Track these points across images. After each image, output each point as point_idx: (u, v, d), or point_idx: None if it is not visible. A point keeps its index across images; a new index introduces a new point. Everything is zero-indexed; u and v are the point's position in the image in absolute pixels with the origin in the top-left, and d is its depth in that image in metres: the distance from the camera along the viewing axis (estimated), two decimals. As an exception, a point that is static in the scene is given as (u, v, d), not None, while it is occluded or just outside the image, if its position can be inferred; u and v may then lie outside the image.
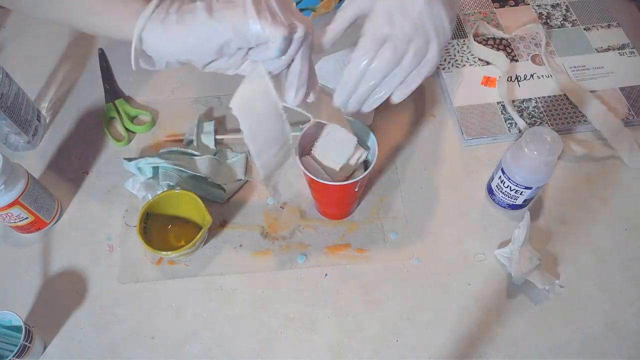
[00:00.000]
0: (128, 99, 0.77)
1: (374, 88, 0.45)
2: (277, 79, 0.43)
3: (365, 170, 0.56)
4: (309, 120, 0.55)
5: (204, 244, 0.64)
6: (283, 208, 0.67)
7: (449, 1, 0.44)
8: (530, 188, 0.60)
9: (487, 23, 0.82)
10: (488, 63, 0.78)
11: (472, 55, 0.79)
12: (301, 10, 0.80)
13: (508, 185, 0.61)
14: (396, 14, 0.42)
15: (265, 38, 0.39)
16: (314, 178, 0.55)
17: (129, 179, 0.68)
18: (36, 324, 0.59)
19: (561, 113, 0.73)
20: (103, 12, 0.43)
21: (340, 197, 0.61)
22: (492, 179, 0.65)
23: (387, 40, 0.43)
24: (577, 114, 0.73)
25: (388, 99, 0.48)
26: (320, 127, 0.58)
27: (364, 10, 0.45)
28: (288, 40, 0.39)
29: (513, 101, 0.74)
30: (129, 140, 0.73)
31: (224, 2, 0.40)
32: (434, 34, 0.44)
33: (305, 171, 0.55)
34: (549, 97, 0.75)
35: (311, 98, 0.44)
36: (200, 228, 0.60)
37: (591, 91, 0.74)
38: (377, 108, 0.51)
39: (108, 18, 0.42)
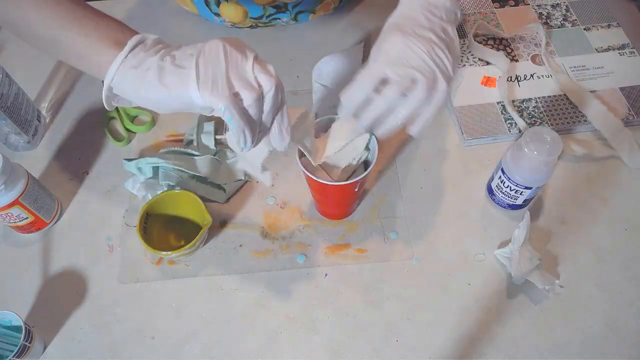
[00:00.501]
0: (128, 99, 0.77)
1: (375, 118, 0.48)
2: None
3: (365, 170, 0.56)
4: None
5: (204, 244, 0.64)
6: (283, 208, 0.67)
7: (448, 48, 0.47)
8: (530, 188, 0.60)
9: (487, 23, 0.82)
10: (488, 63, 0.79)
11: (472, 55, 0.79)
12: (300, 12, 0.80)
13: (508, 185, 0.61)
14: (399, 59, 0.46)
15: (209, 107, 0.41)
16: (314, 178, 0.55)
17: (129, 179, 0.68)
18: (36, 324, 0.59)
19: (561, 113, 0.73)
20: (83, 59, 0.45)
21: (340, 197, 0.61)
22: (492, 179, 0.65)
23: (389, 80, 0.46)
24: (577, 114, 0.73)
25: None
26: (321, 127, 0.58)
27: (372, 59, 0.49)
28: (233, 108, 0.41)
29: (513, 101, 0.74)
30: (129, 140, 0.73)
31: (176, 66, 0.42)
32: (439, 73, 0.47)
33: (305, 171, 0.55)
34: (549, 97, 0.75)
35: (282, 146, 0.47)
36: (200, 228, 0.60)
37: (591, 91, 0.74)
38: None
39: (89, 65, 0.45)
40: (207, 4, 0.77)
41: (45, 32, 0.45)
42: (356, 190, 0.58)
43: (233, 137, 0.43)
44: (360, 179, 0.55)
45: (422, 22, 0.49)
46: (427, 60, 0.46)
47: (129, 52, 0.43)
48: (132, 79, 0.42)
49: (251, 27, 0.82)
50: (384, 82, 0.47)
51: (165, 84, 0.41)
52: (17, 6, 0.45)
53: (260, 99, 0.42)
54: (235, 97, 0.41)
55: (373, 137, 0.57)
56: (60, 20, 0.45)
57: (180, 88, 0.41)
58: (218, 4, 0.76)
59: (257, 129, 0.44)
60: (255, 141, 0.44)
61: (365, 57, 0.74)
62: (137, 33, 0.45)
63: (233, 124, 0.42)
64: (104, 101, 0.45)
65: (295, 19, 0.81)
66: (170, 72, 0.41)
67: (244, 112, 0.42)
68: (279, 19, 0.80)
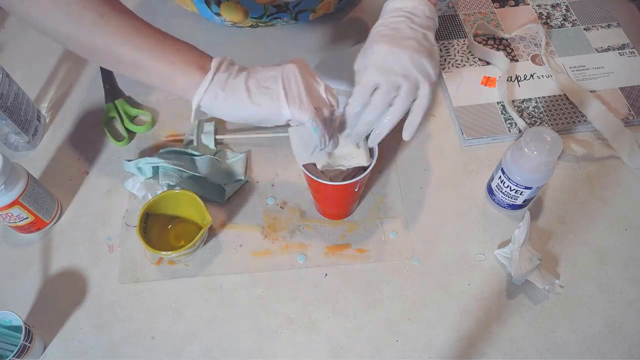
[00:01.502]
0: (128, 99, 0.77)
1: (370, 125, 0.52)
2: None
3: (365, 170, 0.56)
4: None
5: (204, 244, 0.64)
6: (283, 208, 0.67)
7: (430, 54, 0.51)
8: (530, 188, 0.60)
9: (487, 23, 0.82)
10: (488, 63, 0.79)
11: (472, 55, 0.79)
12: (300, 11, 0.80)
13: (508, 185, 0.61)
14: (386, 67, 0.50)
15: (296, 120, 0.48)
16: (314, 178, 0.55)
17: (129, 179, 0.68)
18: (36, 324, 0.59)
19: (561, 113, 0.73)
20: (168, 82, 0.49)
21: (340, 197, 0.61)
22: (492, 179, 0.65)
23: (378, 87, 0.50)
24: (577, 114, 0.73)
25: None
26: None
27: (361, 69, 0.53)
28: (318, 119, 0.48)
29: (513, 101, 0.74)
30: (129, 140, 0.73)
31: (263, 87, 0.48)
32: (422, 78, 0.50)
33: (305, 171, 0.55)
34: (549, 97, 0.75)
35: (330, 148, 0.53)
36: (200, 228, 0.60)
37: (591, 91, 0.74)
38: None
39: (174, 88, 0.49)
40: (208, 3, 0.77)
41: (129, 56, 0.48)
42: (356, 190, 0.58)
43: (313, 141, 0.51)
44: (360, 179, 0.55)
45: (405, 32, 0.52)
46: (410, 68, 0.50)
47: (214, 75, 0.48)
48: (222, 100, 0.48)
49: (251, 26, 0.82)
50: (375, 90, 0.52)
51: (256, 103, 0.48)
52: (102, 33, 0.47)
53: (332, 113, 0.51)
54: (317, 111, 0.48)
55: None
56: (146, 47, 0.48)
57: (271, 106, 0.48)
58: (218, 4, 0.76)
59: (331, 134, 0.52)
60: (331, 143, 0.52)
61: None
62: (211, 56, 0.49)
63: (317, 132, 0.49)
64: (192, 118, 0.49)
65: (295, 18, 0.81)
66: (260, 93, 0.48)
67: (324, 123, 0.49)
68: (280, 18, 0.80)
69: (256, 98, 0.48)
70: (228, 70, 0.49)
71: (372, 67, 0.50)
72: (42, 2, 0.45)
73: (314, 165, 0.57)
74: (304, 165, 0.56)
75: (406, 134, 0.53)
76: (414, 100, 0.51)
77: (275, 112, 0.48)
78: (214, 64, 0.48)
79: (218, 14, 0.79)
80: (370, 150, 0.58)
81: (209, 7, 0.78)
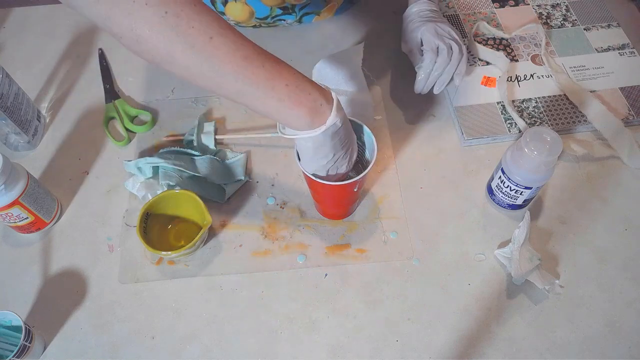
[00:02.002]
0: (128, 99, 0.77)
1: (439, 76, 0.69)
2: None
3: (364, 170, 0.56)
4: None
5: (204, 244, 0.64)
6: (283, 208, 0.67)
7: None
8: (530, 188, 0.60)
9: (487, 23, 0.82)
10: (488, 63, 0.78)
11: (472, 55, 0.79)
12: (305, 14, 0.80)
13: (508, 185, 0.61)
14: (439, 34, 0.69)
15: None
16: (314, 178, 0.55)
17: (129, 179, 0.68)
18: (36, 324, 0.59)
19: (561, 113, 0.73)
20: (272, 116, 0.48)
21: (339, 197, 0.61)
22: (492, 179, 0.65)
23: (440, 49, 0.68)
24: (577, 114, 0.73)
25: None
26: None
27: (413, 47, 0.72)
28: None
29: (513, 101, 0.74)
30: (129, 140, 0.73)
31: (338, 161, 0.53)
32: (460, 39, 0.70)
33: (305, 171, 0.55)
34: (549, 97, 0.75)
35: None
36: (200, 228, 0.60)
37: (591, 91, 0.74)
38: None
39: (273, 117, 0.49)
40: (213, 2, 0.77)
41: (235, 87, 0.45)
42: (355, 190, 0.58)
43: (331, 151, 0.53)
44: (359, 178, 0.55)
45: (435, 16, 0.72)
46: (453, 34, 0.70)
47: (321, 133, 0.48)
48: (308, 153, 0.51)
49: (254, 26, 0.82)
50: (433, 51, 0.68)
51: (330, 165, 0.53)
52: (209, 57, 0.43)
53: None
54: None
55: (372, 136, 0.57)
56: (255, 81, 0.45)
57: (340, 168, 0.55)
58: (225, 3, 0.76)
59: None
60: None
61: (364, 58, 0.74)
62: (322, 92, 0.48)
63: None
64: (279, 131, 0.51)
65: (300, 20, 0.81)
66: (331, 170, 0.54)
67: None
68: (284, 20, 0.80)
69: (333, 164, 0.53)
70: (330, 138, 0.49)
71: (431, 37, 0.68)
72: (148, 17, 0.41)
73: None
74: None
75: (457, 80, 0.70)
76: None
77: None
78: (327, 124, 0.48)
79: (222, 13, 0.79)
80: (370, 151, 0.58)
81: (214, 6, 0.78)
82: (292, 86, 0.46)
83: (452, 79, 0.70)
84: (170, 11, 0.41)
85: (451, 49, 0.68)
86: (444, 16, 0.84)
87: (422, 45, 0.70)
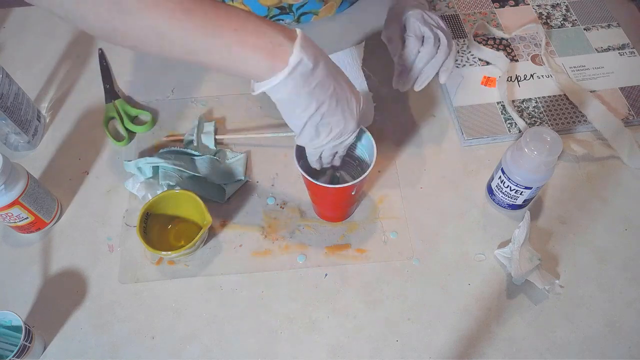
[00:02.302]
0: (128, 99, 0.77)
1: (422, 69, 0.62)
2: None
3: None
4: None
5: (204, 244, 0.64)
6: (283, 208, 0.67)
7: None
8: (530, 188, 0.60)
9: (487, 23, 0.82)
10: (488, 63, 0.79)
11: (472, 55, 0.79)
12: (303, 14, 0.80)
13: (508, 185, 0.61)
14: (426, 21, 0.62)
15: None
16: (312, 180, 0.55)
17: (129, 179, 0.68)
18: (36, 324, 0.59)
19: (561, 113, 0.73)
20: (231, 69, 0.43)
21: (337, 200, 0.61)
22: (492, 179, 0.65)
23: (426, 37, 0.61)
24: (577, 114, 0.73)
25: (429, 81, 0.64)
26: None
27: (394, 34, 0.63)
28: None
29: (513, 101, 0.74)
30: (129, 140, 0.73)
31: (328, 124, 0.48)
32: (448, 32, 0.63)
33: (303, 173, 0.55)
34: (549, 97, 0.75)
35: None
36: (200, 228, 0.60)
37: (591, 91, 0.74)
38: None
39: (237, 73, 0.43)
40: None
41: (184, 45, 0.41)
42: (353, 193, 0.58)
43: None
44: (357, 182, 0.55)
45: (420, 3, 0.65)
46: (442, 24, 0.63)
47: (289, 74, 0.42)
48: (285, 108, 0.45)
49: None
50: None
51: (320, 136, 0.48)
52: (147, 16, 0.40)
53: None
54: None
55: (371, 139, 0.57)
56: (195, 30, 0.41)
57: (314, 134, 0.48)
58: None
59: None
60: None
61: (364, 58, 0.74)
62: (282, 30, 0.43)
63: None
64: (253, 91, 0.45)
65: (298, 20, 0.81)
66: (323, 131, 0.48)
67: None
68: (282, 20, 0.80)
69: (320, 135, 0.48)
70: (306, 79, 0.43)
71: (416, 22, 0.61)
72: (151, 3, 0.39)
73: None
74: (301, 168, 0.56)
75: (443, 78, 0.63)
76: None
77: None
78: (290, 65, 0.42)
79: None
80: (369, 154, 0.58)
81: None
82: (241, 30, 0.41)
83: (437, 74, 0.63)
84: None
85: (439, 40, 0.61)
86: (443, 16, 0.84)
87: (405, 32, 0.63)
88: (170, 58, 0.43)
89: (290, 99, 0.43)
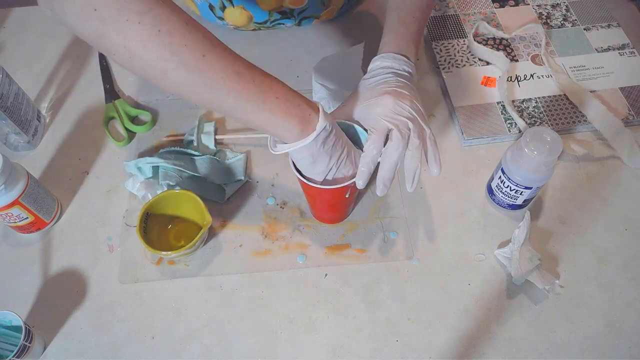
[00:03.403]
0: (128, 99, 0.77)
1: (394, 166, 0.53)
2: None
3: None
4: None
5: (204, 244, 0.64)
6: (283, 208, 0.67)
7: (418, 99, 0.57)
8: (530, 188, 0.60)
9: (487, 23, 0.82)
10: (488, 63, 0.79)
11: (472, 55, 0.79)
12: (304, 18, 0.80)
13: (508, 185, 0.61)
14: (396, 115, 0.54)
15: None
16: (306, 182, 0.55)
17: (129, 179, 0.68)
18: (36, 324, 0.59)
19: (561, 113, 0.73)
20: (265, 130, 0.50)
21: (331, 202, 0.61)
22: (492, 179, 0.65)
23: (392, 133, 0.53)
24: (577, 114, 0.73)
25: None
26: None
27: (369, 119, 0.56)
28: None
29: (513, 101, 0.74)
30: (129, 140, 0.73)
31: (342, 168, 0.54)
32: (424, 118, 0.56)
33: (297, 175, 0.55)
34: (549, 97, 0.75)
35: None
36: (200, 228, 0.60)
37: (591, 91, 0.74)
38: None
39: (267, 132, 0.50)
40: (212, 8, 0.77)
41: (227, 103, 0.46)
42: (347, 196, 0.58)
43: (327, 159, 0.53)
44: (350, 183, 0.55)
45: (399, 85, 0.56)
46: (413, 112, 0.54)
47: (314, 138, 0.49)
48: (305, 163, 0.52)
49: (253, 30, 0.82)
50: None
51: (317, 176, 0.54)
52: (202, 75, 0.44)
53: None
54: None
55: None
56: (247, 95, 0.46)
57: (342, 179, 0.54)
58: (223, 8, 0.76)
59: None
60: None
61: (364, 58, 0.74)
62: (309, 103, 0.50)
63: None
64: (270, 149, 0.52)
65: (299, 24, 0.81)
66: (338, 170, 0.54)
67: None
68: (283, 24, 0.80)
69: (336, 168, 0.53)
70: (324, 144, 0.50)
71: (384, 117, 0.53)
72: (144, 32, 0.41)
73: None
74: (296, 169, 0.56)
75: (436, 170, 0.56)
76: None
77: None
78: (317, 130, 0.49)
79: (221, 18, 0.79)
80: None
81: (213, 12, 0.78)
82: (282, 99, 0.48)
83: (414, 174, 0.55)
84: (163, 29, 0.42)
85: (410, 131, 0.53)
86: (442, 16, 0.84)
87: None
88: (210, 108, 0.51)
89: (311, 155, 0.51)
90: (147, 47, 0.42)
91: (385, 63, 0.59)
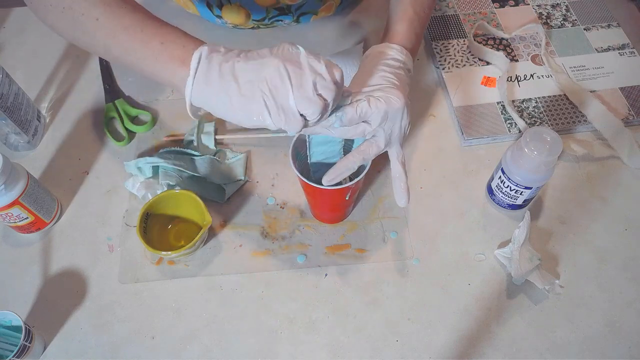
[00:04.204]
0: (128, 99, 0.77)
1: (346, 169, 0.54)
2: None
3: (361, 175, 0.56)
4: None
5: (204, 244, 0.64)
6: (283, 208, 0.67)
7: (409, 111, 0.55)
8: (530, 188, 0.60)
9: (487, 23, 0.82)
10: (488, 63, 0.79)
11: (472, 55, 0.79)
12: (302, 14, 0.80)
13: (508, 185, 0.61)
14: (385, 118, 0.52)
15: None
16: (307, 182, 0.55)
17: (129, 179, 0.68)
18: (36, 324, 0.59)
19: (561, 113, 0.73)
20: (157, 78, 0.49)
21: (332, 202, 0.61)
22: (492, 179, 0.65)
23: (369, 126, 0.52)
24: (577, 114, 0.73)
25: None
26: None
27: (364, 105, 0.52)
28: (305, 128, 0.46)
29: (513, 101, 0.74)
30: (129, 140, 0.73)
31: (244, 97, 0.45)
32: (403, 135, 0.56)
33: (298, 175, 0.55)
34: (549, 97, 0.75)
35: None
36: (200, 228, 0.60)
37: (591, 91, 0.74)
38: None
39: (164, 83, 0.49)
40: (209, 6, 0.77)
41: (124, 59, 0.50)
42: (347, 198, 0.58)
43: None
44: (352, 184, 0.55)
45: (405, 89, 0.55)
46: (399, 125, 0.54)
47: (195, 74, 0.46)
48: (211, 98, 0.46)
49: (252, 28, 0.82)
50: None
51: (241, 111, 0.45)
52: (99, 37, 0.49)
53: (325, 109, 0.45)
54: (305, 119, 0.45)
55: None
56: (134, 48, 0.48)
57: (256, 119, 0.45)
58: (220, 6, 0.76)
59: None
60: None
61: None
62: (197, 42, 0.48)
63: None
64: (189, 114, 0.49)
65: (297, 20, 0.81)
66: (240, 106, 0.45)
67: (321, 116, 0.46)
68: (281, 20, 0.80)
69: (238, 112, 0.46)
70: (210, 67, 0.46)
71: (382, 111, 0.51)
72: (56, 12, 0.50)
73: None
74: (297, 169, 0.56)
75: (404, 200, 0.56)
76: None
77: (259, 124, 0.46)
78: (193, 63, 0.46)
79: (219, 17, 0.79)
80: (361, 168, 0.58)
81: (211, 10, 0.78)
82: (167, 43, 0.47)
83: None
84: (66, 6, 0.49)
85: (387, 136, 0.53)
86: (442, 16, 0.84)
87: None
88: (123, 66, 0.51)
89: (217, 94, 0.45)
90: (59, 21, 0.51)
91: (398, 55, 0.57)
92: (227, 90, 0.45)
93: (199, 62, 0.46)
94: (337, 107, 0.49)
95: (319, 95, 0.44)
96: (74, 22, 0.50)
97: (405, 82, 0.56)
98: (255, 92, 0.44)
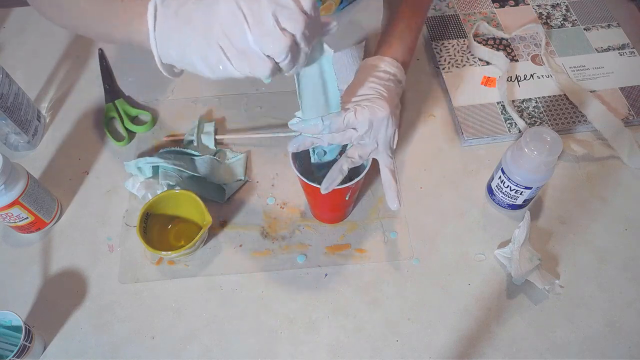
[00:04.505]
0: (128, 99, 0.77)
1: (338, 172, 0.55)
2: None
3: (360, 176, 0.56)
4: None
5: (204, 244, 0.64)
6: (283, 208, 0.67)
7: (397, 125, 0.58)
8: (530, 188, 0.60)
9: (487, 23, 0.82)
10: (488, 63, 0.78)
11: (472, 55, 0.79)
12: None
13: (508, 185, 0.61)
14: (373, 126, 0.54)
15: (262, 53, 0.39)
16: (307, 182, 0.55)
17: (129, 179, 0.68)
18: (36, 324, 0.59)
19: (561, 113, 0.73)
20: (131, 41, 0.45)
21: (331, 202, 0.61)
22: (492, 179, 0.65)
23: (357, 131, 0.54)
24: (577, 114, 0.73)
25: None
26: None
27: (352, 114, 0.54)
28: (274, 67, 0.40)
29: (513, 101, 0.74)
30: (129, 140, 0.73)
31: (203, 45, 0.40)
32: (389, 149, 0.58)
33: (298, 174, 0.55)
34: (549, 97, 0.75)
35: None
36: (200, 228, 0.60)
37: (591, 91, 0.74)
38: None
39: (137, 45, 0.45)
40: None
41: (96, 28, 0.49)
42: (347, 198, 0.58)
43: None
44: (352, 184, 0.55)
45: (394, 100, 0.57)
46: (387, 140, 0.56)
47: (154, 26, 0.41)
48: (174, 49, 0.41)
49: None
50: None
51: (201, 61, 0.40)
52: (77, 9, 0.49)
53: (294, 45, 0.39)
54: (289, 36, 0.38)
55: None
56: (97, 13, 0.47)
57: (219, 69, 0.40)
58: None
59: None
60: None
61: (365, 57, 0.74)
62: None
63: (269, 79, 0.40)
64: (165, 73, 0.45)
65: None
66: (200, 55, 0.40)
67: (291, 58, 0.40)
68: None
69: (201, 56, 0.40)
70: (165, 14, 0.41)
71: (366, 120, 0.53)
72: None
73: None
74: (297, 170, 0.56)
75: (395, 205, 0.57)
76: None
77: (238, 43, 0.39)
78: (150, 7, 0.41)
79: None
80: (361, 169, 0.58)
81: None
82: (126, 1, 0.44)
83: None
84: None
85: (372, 145, 0.55)
86: (442, 16, 0.84)
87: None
88: (100, 40, 0.55)
89: (180, 41, 0.40)
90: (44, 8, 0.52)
91: (390, 68, 0.60)
92: (185, 39, 0.40)
93: (155, 14, 0.41)
94: (325, 117, 0.50)
95: (284, 29, 0.38)
96: (60, 9, 0.51)
97: (395, 92, 0.58)
98: (210, 38, 0.39)
